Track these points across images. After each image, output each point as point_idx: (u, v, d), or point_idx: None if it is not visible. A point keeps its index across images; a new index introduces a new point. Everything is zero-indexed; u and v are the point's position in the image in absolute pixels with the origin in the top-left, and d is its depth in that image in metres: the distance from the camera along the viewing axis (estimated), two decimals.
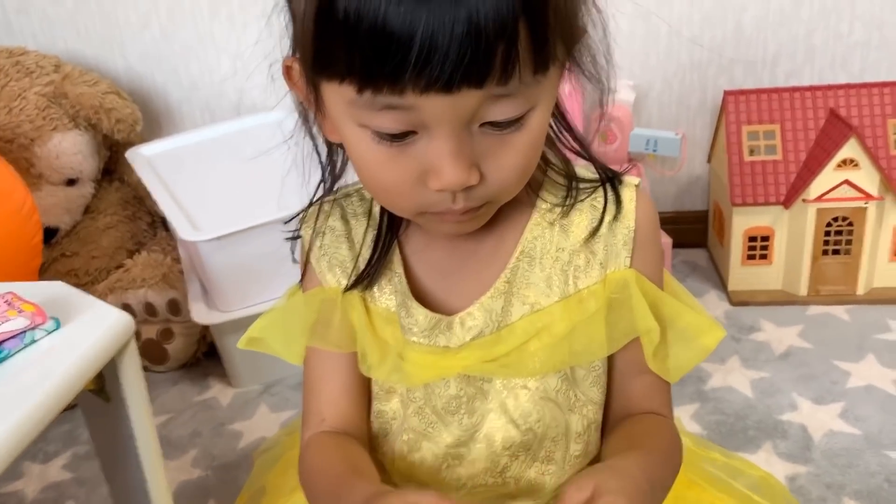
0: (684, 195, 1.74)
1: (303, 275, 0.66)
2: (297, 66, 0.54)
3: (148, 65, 1.72)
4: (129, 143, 1.64)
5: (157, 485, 0.86)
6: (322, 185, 0.64)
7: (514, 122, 0.50)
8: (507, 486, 0.63)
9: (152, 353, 1.46)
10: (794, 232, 1.49)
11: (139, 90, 1.73)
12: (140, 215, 1.70)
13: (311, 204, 0.66)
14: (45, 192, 1.52)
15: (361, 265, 0.62)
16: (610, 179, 0.62)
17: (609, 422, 0.65)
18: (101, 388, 0.83)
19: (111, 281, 1.49)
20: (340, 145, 0.60)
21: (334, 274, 0.63)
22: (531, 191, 0.61)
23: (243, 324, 1.38)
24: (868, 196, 1.42)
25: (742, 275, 1.55)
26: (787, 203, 1.46)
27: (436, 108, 0.47)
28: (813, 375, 1.32)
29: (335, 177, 0.63)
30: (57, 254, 1.55)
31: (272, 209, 1.31)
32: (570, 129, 0.61)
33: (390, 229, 0.62)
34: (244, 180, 1.51)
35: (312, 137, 0.62)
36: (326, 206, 0.65)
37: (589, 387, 0.63)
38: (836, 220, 1.45)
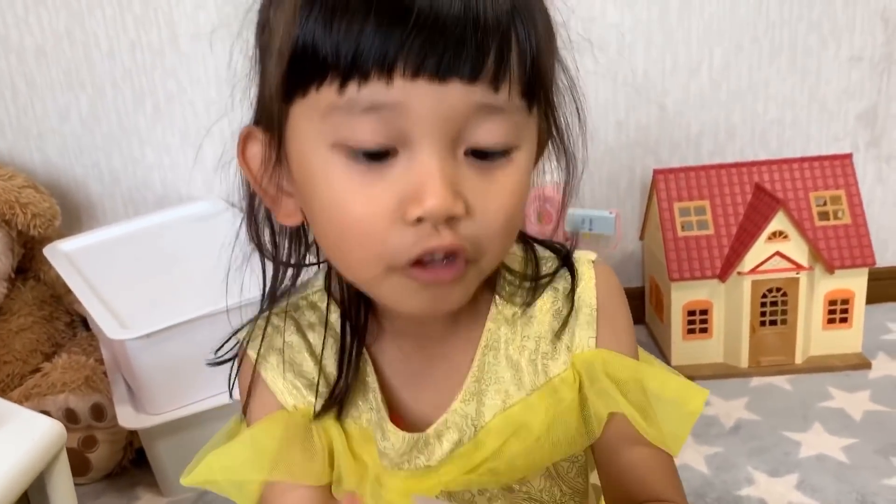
0: (619, 272, 1.73)
1: (247, 402, 0.58)
2: (257, 133, 0.51)
3: (67, 158, 1.65)
4: (47, 239, 1.56)
5: None
6: (267, 295, 0.57)
7: (502, 155, 0.47)
8: None
9: (74, 464, 1.32)
10: (731, 304, 1.51)
11: (58, 184, 1.65)
12: (58, 315, 1.60)
13: (255, 318, 0.59)
14: None
15: (327, 380, 0.56)
16: (567, 259, 0.59)
17: None
18: None
19: (27, 387, 1.38)
20: (298, 230, 0.56)
21: (300, 393, 0.57)
22: (485, 286, 0.56)
23: (174, 427, 1.30)
24: (799, 266, 1.46)
25: (684, 349, 1.56)
26: (722, 276, 1.49)
27: (423, 104, 0.44)
28: (765, 448, 1.32)
29: (276, 289, 0.57)
30: None
31: (201, 304, 1.25)
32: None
33: (355, 337, 0.56)
34: (170, 275, 1.44)
35: (258, 237, 0.56)
36: (275, 320, 0.58)
37: (574, 478, 0.60)
38: (770, 291, 1.48)
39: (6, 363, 1.47)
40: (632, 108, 1.63)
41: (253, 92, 0.52)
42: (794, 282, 1.47)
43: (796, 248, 1.45)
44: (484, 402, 0.57)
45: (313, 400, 0.56)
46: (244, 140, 0.52)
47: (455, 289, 0.49)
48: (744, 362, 1.53)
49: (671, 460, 0.58)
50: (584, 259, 0.59)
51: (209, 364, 0.61)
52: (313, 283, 0.60)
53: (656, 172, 1.55)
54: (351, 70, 0.43)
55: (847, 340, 1.54)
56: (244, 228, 0.57)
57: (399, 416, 0.58)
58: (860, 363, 1.52)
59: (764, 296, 1.49)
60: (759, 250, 1.45)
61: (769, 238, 1.45)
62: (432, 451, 0.57)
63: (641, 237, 1.69)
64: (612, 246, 1.62)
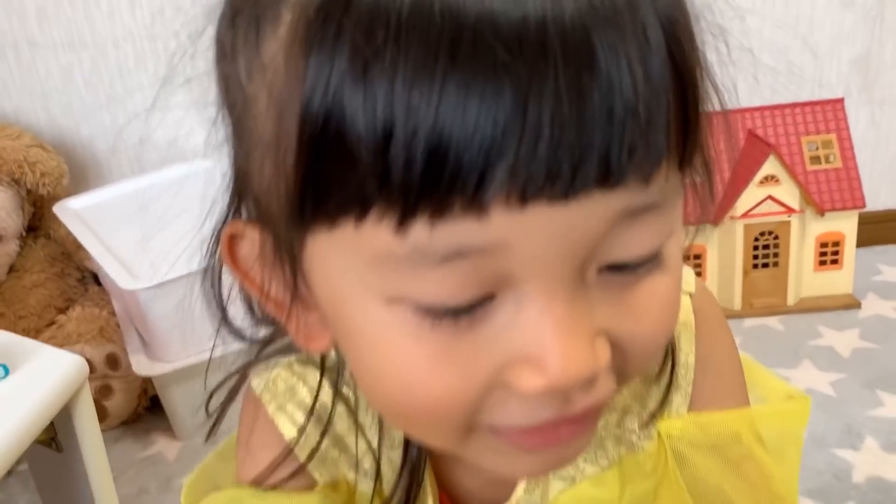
0: None
1: (266, 478, 0.45)
2: (249, 233, 0.34)
3: (72, 117, 1.68)
4: (55, 198, 1.59)
5: None
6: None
7: (650, 260, 0.30)
8: None
9: None
10: (724, 248, 1.55)
11: (63, 143, 1.68)
12: (69, 271, 1.64)
13: (259, 355, 0.44)
14: None
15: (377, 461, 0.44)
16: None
17: None
18: (52, 438, 0.79)
19: (44, 339, 1.42)
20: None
21: (341, 468, 0.45)
22: None
23: (187, 373, 1.35)
24: (790, 210, 1.49)
25: None
26: (715, 221, 1.52)
27: (538, 238, 0.27)
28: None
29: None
30: None
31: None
32: None
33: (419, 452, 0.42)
34: (177, 230, 1.48)
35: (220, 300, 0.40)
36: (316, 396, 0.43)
37: None
38: (762, 234, 1.52)
39: (21, 318, 1.52)
40: None
41: (228, 155, 0.36)
42: (786, 225, 1.51)
43: (788, 192, 1.48)
44: (549, 483, 0.44)
45: (360, 479, 0.44)
46: (229, 241, 0.36)
47: (574, 445, 0.33)
48: (737, 304, 1.57)
49: None
50: (684, 306, 0.44)
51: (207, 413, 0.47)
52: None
53: None
54: (419, 201, 0.26)
55: (838, 282, 1.58)
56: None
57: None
58: (850, 303, 1.56)
59: (756, 239, 1.52)
60: (752, 195, 1.48)
61: (761, 182, 1.48)
62: None
63: None
64: None
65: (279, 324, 0.37)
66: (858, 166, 1.53)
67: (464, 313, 0.28)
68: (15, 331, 1.52)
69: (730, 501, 0.44)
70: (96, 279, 1.67)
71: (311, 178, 0.28)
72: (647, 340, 0.32)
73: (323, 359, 0.43)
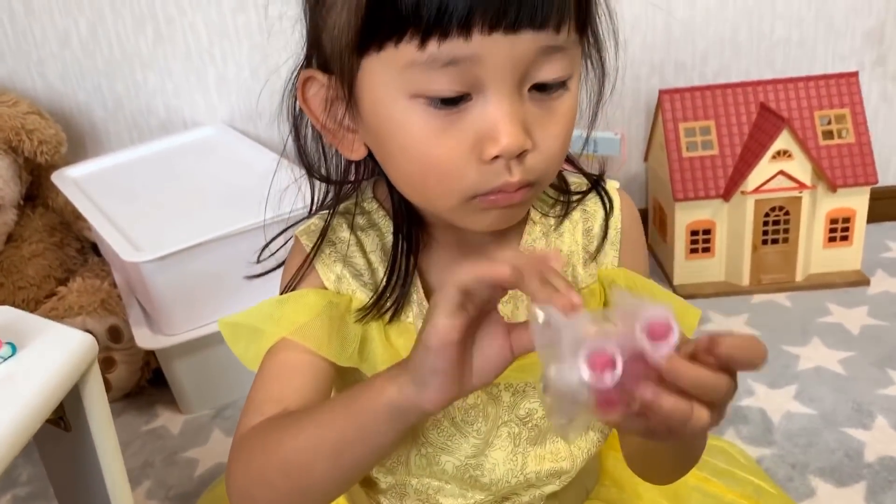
0: None
1: (294, 283, 0.61)
2: (318, 76, 0.54)
3: (69, 83, 1.64)
4: (53, 166, 1.56)
5: None
6: (334, 196, 0.62)
7: (560, 86, 0.51)
8: (530, 480, 0.62)
9: None
10: (734, 224, 1.53)
11: (61, 110, 1.64)
12: (68, 241, 1.61)
13: (308, 216, 0.63)
14: None
15: (376, 282, 0.60)
16: (597, 183, 0.64)
17: None
18: (61, 417, 0.77)
19: (44, 310, 1.40)
20: (362, 162, 0.60)
21: (347, 283, 0.60)
22: None
23: (191, 346, 1.33)
24: (802, 185, 1.47)
25: (686, 269, 1.59)
26: (726, 196, 1.50)
27: (497, 55, 0.47)
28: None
29: (341, 192, 0.62)
30: None
31: (211, 226, 1.27)
32: None
33: (408, 247, 0.59)
34: (177, 199, 1.45)
35: (305, 156, 0.60)
36: (329, 220, 0.62)
37: None
38: (773, 210, 1.50)
39: (21, 289, 1.49)
40: (637, 27, 1.62)
41: (301, 32, 0.56)
42: (797, 200, 1.49)
43: (800, 167, 1.46)
44: (518, 307, 0.61)
45: (357, 289, 0.59)
46: (304, 83, 0.55)
47: (519, 209, 0.55)
48: (745, 280, 1.56)
49: None
50: (610, 185, 0.65)
51: (248, 278, 0.64)
52: (363, 193, 0.64)
53: (662, 93, 1.55)
54: (432, 28, 0.46)
55: (847, 258, 1.56)
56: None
57: None
58: (859, 280, 1.55)
59: (766, 215, 1.50)
60: (763, 169, 1.46)
61: (773, 157, 1.46)
62: None
63: (646, 159, 1.69)
64: (616, 168, 1.62)
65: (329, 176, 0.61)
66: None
67: (453, 105, 0.49)
68: (14, 302, 1.49)
69: None
70: (96, 249, 1.64)
71: (371, 14, 0.48)
72: (553, 142, 0.51)
73: (337, 201, 0.62)
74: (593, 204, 0.64)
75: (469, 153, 0.50)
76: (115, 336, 1.37)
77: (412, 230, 0.59)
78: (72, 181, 1.49)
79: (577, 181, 0.65)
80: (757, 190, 1.48)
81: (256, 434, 0.54)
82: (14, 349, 0.69)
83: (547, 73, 0.50)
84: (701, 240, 1.56)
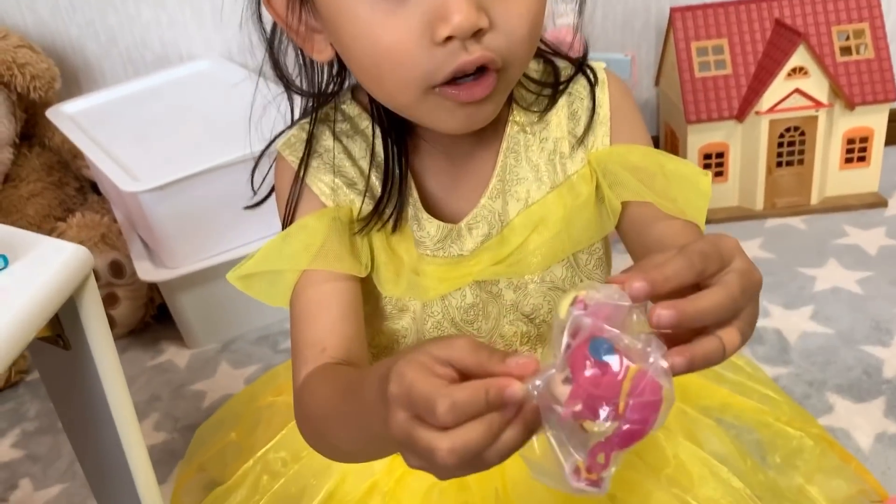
0: None
1: (290, 207, 0.60)
2: None
3: (60, 17, 1.59)
4: (48, 103, 1.52)
5: (131, 439, 0.79)
6: (311, 106, 0.60)
7: None
8: None
9: None
10: (748, 146, 1.49)
11: (53, 46, 1.60)
12: (67, 180, 1.58)
13: (289, 127, 0.62)
14: None
15: (374, 186, 0.59)
16: (582, 65, 0.62)
17: None
18: (59, 335, 0.75)
19: None
20: (331, 63, 0.58)
21: (343, 193, 0.59)
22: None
23: (194, 279, 1.31)
24: (818, 104, 1.43)
25: None
26: (740, 116, 1.46)
27: None
28: (780, 283, 1.33)
29: (321, 95, 0.60)
30: None
31: (210, 157, 1.24)
32: None
33: (400, 155, 0.58)
34: (175, 132, 1.42)
35: (280, 69, 0.59)
36: (309, 129, 0.61)
37: (592, 270, 0.64)
38: (788, 130, 1.46)
39: (20, 228, 1.47)
40: None
41: None
42: (813, 120, 1.44)
43: (816, 85, 1.41)
44: (508, 201, 0.61)
45: (355, 199, 0.58)
46: None
47: (487, 104, 0.52)
48: (759, 205, 1.52)
49: (698, 229, 0.56)
50: (597, 65, 0.63)
51: (247, 208, 0.63)
52: (343, 97, 0.62)
53: (673, 11, 1.49)
54: None
55: (864, 179, 1.52)
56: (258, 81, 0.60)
57: (434, 214, 0.61)
58: (876, 202, 1.51)
59: (781, 136, 1.46)
60: (778, 88, 1.41)
61: (789, 75, 1.41)
62: (464, 243, 0.60)
63: (657, 82, 1.64)
64: None
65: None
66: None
67: None
68: None
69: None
70: (95, 188, 1.61)
71: None
72: (516, 23, 0.49)
73: (316, 108, 0.60)
74: (581, 87, 0.61)
75: (420, 37, 0.47)
76: (117, 271, 1.35)
77: (399, 134, 0.58)
78: (67, 117, 1.46)
79: (566, 66, 0.62)
80: (772, 110, 1.43)
81: (301, 403, 0.55)
82: (6, 261, 0.67)
83: None
84: (714, 164, 1.52)
